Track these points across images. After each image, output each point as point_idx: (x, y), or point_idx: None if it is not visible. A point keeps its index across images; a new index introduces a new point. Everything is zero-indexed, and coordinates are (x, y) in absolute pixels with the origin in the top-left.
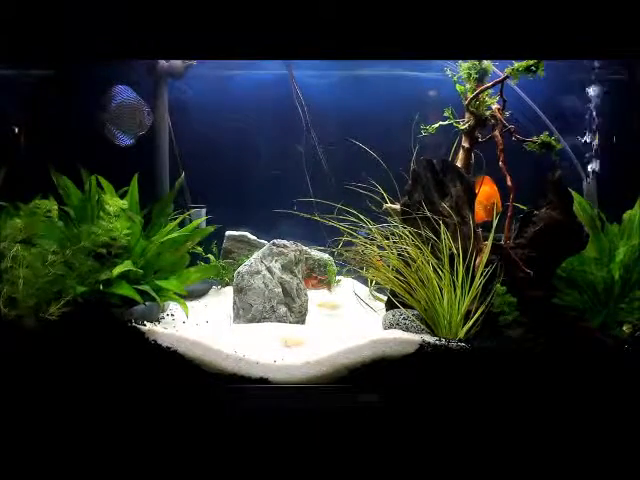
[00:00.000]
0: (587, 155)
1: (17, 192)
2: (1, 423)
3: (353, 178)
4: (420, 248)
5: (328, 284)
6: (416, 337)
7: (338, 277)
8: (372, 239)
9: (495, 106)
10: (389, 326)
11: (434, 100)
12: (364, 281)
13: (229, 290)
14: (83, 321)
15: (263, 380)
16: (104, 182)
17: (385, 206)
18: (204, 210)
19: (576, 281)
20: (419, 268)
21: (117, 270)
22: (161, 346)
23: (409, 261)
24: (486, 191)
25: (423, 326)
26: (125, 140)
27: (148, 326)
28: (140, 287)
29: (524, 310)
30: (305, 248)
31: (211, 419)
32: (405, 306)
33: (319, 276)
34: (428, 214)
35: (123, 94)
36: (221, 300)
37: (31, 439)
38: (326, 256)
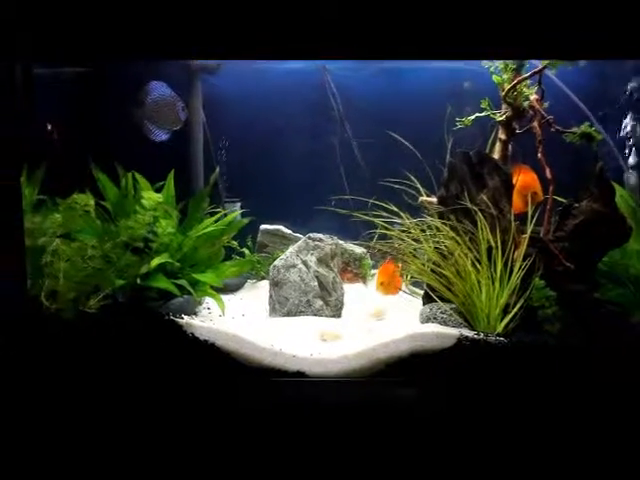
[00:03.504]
0: (628, 146)
1: (55, 187)
2: (43, 413)
3: (389, 171)
4: (457, 241)
5: (363, 278)
6: (454, 331)
7: (373, 271)
8: (408, 232)
9: (533, 97)
10: (426, 320)
11: (470, 91)
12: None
13: (264, 284)
14: (121, 314)
15: (300, 374)
16: (139, 178)
17: (421, 199)
18: (239, 204)
19: (618, 275)
20: (457, 261)
21: (155, 261)
22: (198, 339)
23: (446, 254)
24: (524, 180)
25: (461, 320)
26: (160, 135)
27: (185, 319)
28: (177, 281)
29: (564, 304)
30: (340, 242)
31: (248, 412)
32: (442, 300)
33: (354, 269)
34: (465, 206)
35: (158, 90)
36: (257, 294)
37: (75, 428)
38: (361, 250)
